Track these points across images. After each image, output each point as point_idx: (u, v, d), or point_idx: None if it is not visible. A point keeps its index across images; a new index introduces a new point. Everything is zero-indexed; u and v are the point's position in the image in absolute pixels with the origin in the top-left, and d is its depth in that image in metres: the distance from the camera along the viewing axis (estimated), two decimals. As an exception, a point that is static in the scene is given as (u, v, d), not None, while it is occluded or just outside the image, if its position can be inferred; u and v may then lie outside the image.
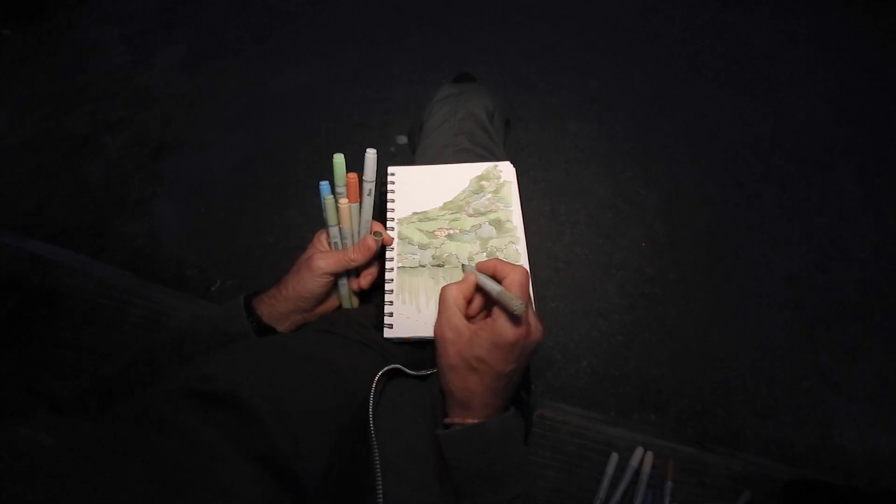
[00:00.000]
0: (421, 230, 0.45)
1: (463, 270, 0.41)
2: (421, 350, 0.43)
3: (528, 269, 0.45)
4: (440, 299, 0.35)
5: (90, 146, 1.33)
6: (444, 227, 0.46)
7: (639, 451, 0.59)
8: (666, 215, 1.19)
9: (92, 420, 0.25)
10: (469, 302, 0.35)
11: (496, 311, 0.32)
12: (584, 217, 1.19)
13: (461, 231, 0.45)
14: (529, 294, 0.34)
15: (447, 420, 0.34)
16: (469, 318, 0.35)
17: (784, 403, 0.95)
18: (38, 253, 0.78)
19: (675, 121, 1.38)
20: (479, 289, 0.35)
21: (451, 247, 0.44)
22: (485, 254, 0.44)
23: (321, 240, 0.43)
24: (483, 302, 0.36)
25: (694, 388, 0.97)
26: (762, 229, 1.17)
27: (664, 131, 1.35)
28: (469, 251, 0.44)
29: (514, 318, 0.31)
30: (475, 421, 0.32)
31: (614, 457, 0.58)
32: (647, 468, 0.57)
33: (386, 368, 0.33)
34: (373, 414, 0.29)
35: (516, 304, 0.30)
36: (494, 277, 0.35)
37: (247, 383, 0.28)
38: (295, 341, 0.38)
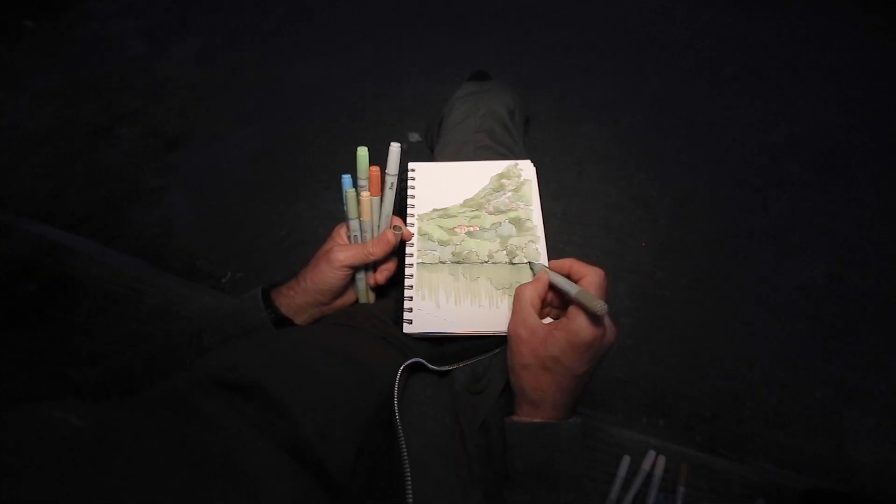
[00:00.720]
0: (441, 227, 0.45)
1: (532, 269, 0.42)
2: (439, 346, 0.43)
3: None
4: (515, 298, 0.35)
5: (106, 136, 1.35)
6: (464, 224, 0.45)
7: (651, 454, 0.58)
8: (678, 219, 1.18)
9: (118, 404, 0.25)
10: (543, 301, 0.36)
11: (573, 310, 0.32)
12: (595, 219, 1.18)
13: (481, 228, 0.45)
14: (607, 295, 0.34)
15: (515, 418, 0.34)
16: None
17: (795, 413, 0.94)
18: (56, 240, 0.79)
19: (690, 124, 1.36)
20: (552, 288, 0.36)
21: (471, 244, 0.44)
22: (504, 252, 0.44)
23: (340, 233, 0.43)
24: (551, 301, 0.37)
25: (703, 393, 0.96)
26: (776, 236, 1.16)
27: (678, 135, 1.34)
28: (489, 249, 0.44)
29: (594, 319, 0.31)
30: (544, 419, 0.33)
31: (626, 459, 0.58)
32: (658, 472, 0.57)
33: (409, 361, 0.33)
34: (398, 408, 0.29)
35: (599, 306, 0.30)
36: (570, 277, 0.35)
37: (272, 374, 0.28)
38: (316, 334, 0.38)
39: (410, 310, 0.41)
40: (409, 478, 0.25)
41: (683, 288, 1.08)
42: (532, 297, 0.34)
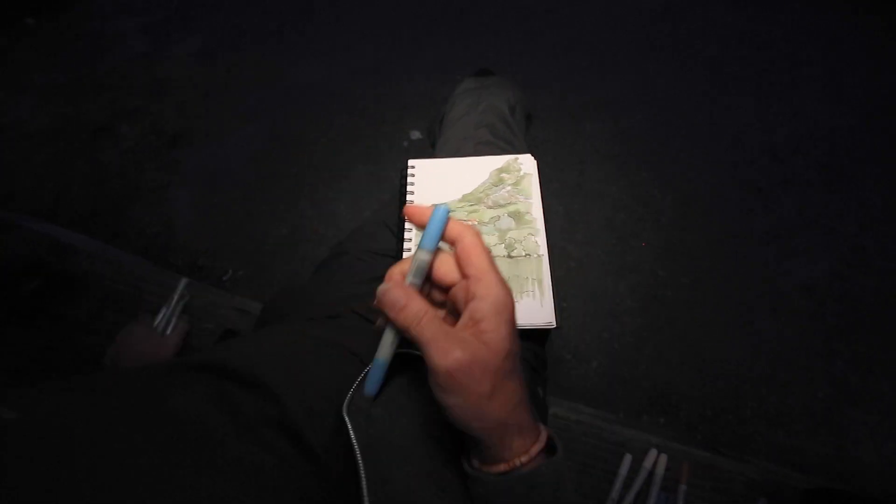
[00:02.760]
0: None
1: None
2: None
3: (548, 261, 0.42)
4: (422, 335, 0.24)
5: (108, 134, 1.35)
6: (463, 218, 0.45)
7: (652, 452, 0.58)
8: (680, 218, 1.18)
9: (62, 390, 0.23)
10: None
11: (470, 287, 0.24)
12: (597, 218, 1.18)
13: (479, 223, 0.45)
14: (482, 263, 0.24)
15: (493, 469, 0.25)
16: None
17: (797, 412, 0.94)
18: (57, 238, 0.79)
19: (691, 124, 1.36)
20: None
21: None
22: (503, 245, 0.44)
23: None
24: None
25: (704, 393, 0.96)
26: (778, 235, 1.16)
27: (681, 134, 1.34)
28: (487, 242, 0.44)
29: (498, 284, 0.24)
30: (522, 459, 0.25)
31: (627, 458, 0.58)
32: (660, 470, 0.57)
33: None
34: (349, 398, 0.26)
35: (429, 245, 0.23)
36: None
37: (258, 358, 0.28)
38: (310, 324, 0.38)
39: None
40: (362, 468, 0.23)
41: (685, 287, 1.08)
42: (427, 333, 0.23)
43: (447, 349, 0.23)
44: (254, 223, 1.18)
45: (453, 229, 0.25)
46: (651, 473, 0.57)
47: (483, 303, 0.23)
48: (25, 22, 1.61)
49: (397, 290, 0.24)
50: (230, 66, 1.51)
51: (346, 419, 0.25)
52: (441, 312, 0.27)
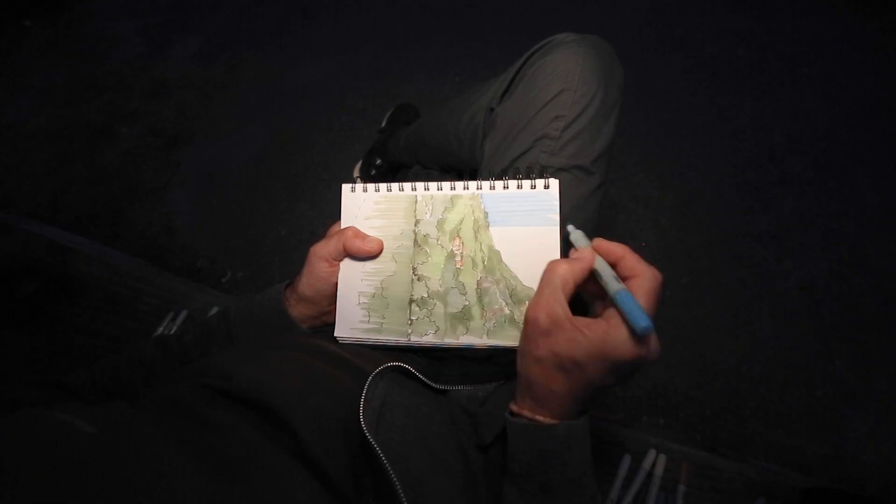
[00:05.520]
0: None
1: (569, 240, 0.33)
2: (438, 362, 0.41)
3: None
4: (545, 275, 0.29)
5: (107, 135, 1.35)
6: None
7: (651, 453, 0.58)
8: (679, 218, 1.18)
9: (126, 410, 0.25)
10: (577, 285, 0.29)
11: (613, 316, 0.27)
12: (596, 218, 1.18)
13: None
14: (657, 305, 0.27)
15: (514, 407, 0.30)
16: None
17: (796, 412, 0.94)
18: (57, 240, 0.79)
19: (690, 123, 1.36)
20: (593, 273, 0.29)
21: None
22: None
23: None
24: (584, 284, 0.30)
25: (704, 393, 0.96)
26: (777, 235, 1.16)
27: (679, 134, 1.34)
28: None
29: (638, 336, 0.26)
30: (544, 418, 0.29)
31: (626, 458, 0.58)
32: (659, 471, 0.57)
33: (386, 366, 0.31)
34: (365, 420, 0.27)
35: (642, 323, 0.24)
36: (616, 269, 0.29)
37: (270, 383, 0.28)
38: (323, 339, 0.38)
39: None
40: (400, 491, 0.24)
41: (684, 287, 1.08)
42: (566, 278, 0.28)
43: (542, 309, 0.28)
44: (253, 224, 1.18)
45: (635, 267, 0.29)
46: (650, 474, 0.57)
47: (610, 334, 0.27)
48: (23, 24, 1.61)
49: (586, 251, 0.31)
50: (230, 66, 1.51)
51: (372, 442, 0.26)
52: None
